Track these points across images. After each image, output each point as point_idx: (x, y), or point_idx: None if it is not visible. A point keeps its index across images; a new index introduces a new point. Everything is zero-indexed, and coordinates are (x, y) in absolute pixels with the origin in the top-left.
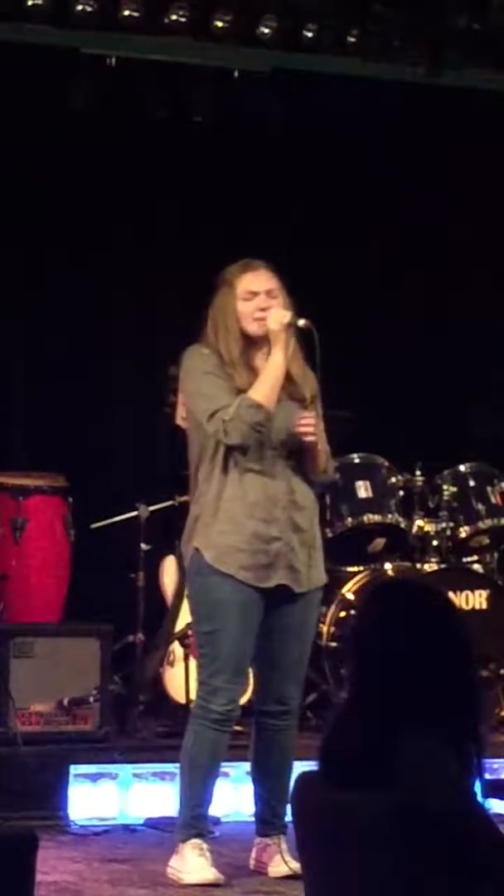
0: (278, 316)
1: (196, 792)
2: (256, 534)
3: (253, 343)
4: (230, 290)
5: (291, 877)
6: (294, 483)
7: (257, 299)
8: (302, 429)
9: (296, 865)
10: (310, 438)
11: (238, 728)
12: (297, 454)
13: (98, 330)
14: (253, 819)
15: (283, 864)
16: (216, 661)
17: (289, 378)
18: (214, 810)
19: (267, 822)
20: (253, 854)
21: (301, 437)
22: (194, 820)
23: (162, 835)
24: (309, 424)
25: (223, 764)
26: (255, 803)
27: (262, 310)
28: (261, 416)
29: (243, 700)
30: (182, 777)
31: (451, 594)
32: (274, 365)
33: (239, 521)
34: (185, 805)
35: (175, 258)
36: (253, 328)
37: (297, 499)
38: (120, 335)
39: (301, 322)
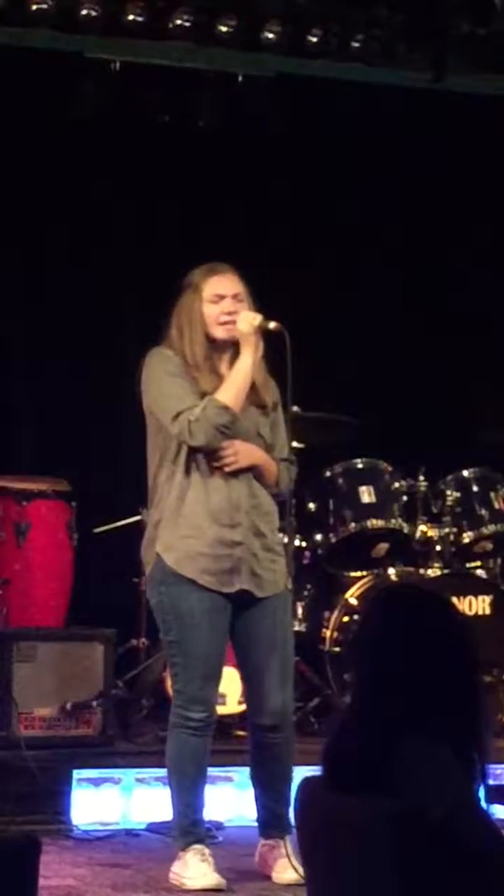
0: (248, 318)
1: (188, 800)
2: (219, 538)
3: (217, 347)
4: (196, 293)
5: (295, 883)
6: (256, 488)
7: (224, 303)
8: (226, 460)
9: (299, 869)
10: (233, 468)
11: (240, 733)
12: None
13: (101, 333)
14: (254, 824)
15: (289, 868)
16: (188, 670)
17: (251, 384)
18: (217, 815)
19: (269, 824)
20: (257, 856)
21: (264, 401)
22: (191, 826)
23: (165, 839)
24: (227, 456)
25: (227, 769)
26: (257, 807)
27: (229, 314)
28: (227, 418)
29: (237, 707)
30: (171, 787)
31: (454, 599)
32: (242, 368)
33: (201, 526)
34: (180, 813)
35: (178, 262)
36: (218, 332)
37: (259, 503)
38: (123, 339)
39: (272, 325)
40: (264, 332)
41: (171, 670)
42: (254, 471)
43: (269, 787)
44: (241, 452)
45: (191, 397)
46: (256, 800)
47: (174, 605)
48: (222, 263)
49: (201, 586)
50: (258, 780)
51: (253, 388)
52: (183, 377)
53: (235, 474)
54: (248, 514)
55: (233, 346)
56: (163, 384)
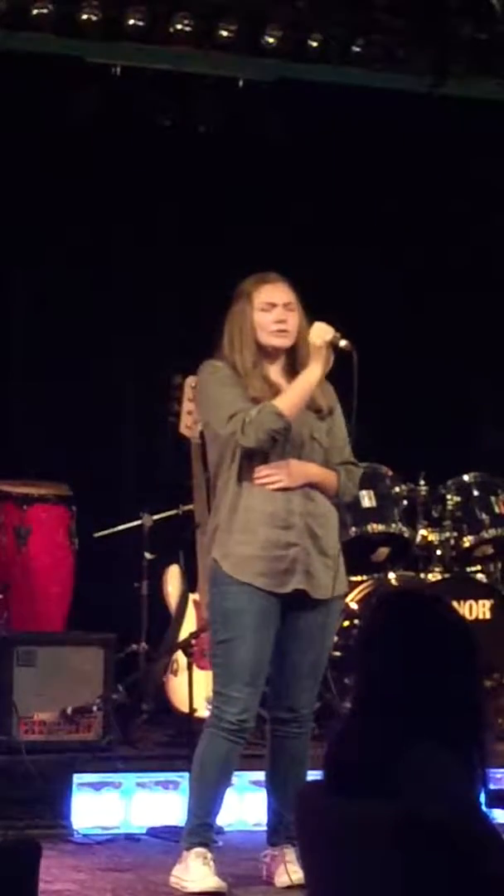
0: (322, 332)
1: (204, 801)
2: (271, 540)
3: (267, 355)
4: (247, 302)
5: (295, 886)
6: (311, 492)
7: (275, 311)
8: (272, 481)
9: (299, 875)
10: (280, 486)
11: None
12: (315, 462)
13: (102, 339)
14: (255, 828)
15: (286, 874)
16: (230, 670)
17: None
18: (218, 819)
19: (276, 831)
20: (263, 864)
21: (321, 406)
22: (200, 828)
23: (165, 844)
24: (276, 476)
25: None
26: (268, 813)
27: (280, 322)
28: (281, 424)
29: None
30: (191, 785)
31: (454, 604)
32: (308, 379)
33: (254, 530)
34: (193, 813)
35: (179, 267)
36: (269, 340)
37: (315, 508)
38: (125, 344)
39: (343, 343)
40: (335, 348)
41: (213, 671)
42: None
43: (280, 789)
44: (294, 473)
45: (243, 402)
46: (268, 805)
47: (223, 606)
48: (273, 272)
49: (257, 588)
50: (271, 782)
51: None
52: (233, 385)
53: None
54: (302, 516)
55: (284, 355)
56: (215, 394)
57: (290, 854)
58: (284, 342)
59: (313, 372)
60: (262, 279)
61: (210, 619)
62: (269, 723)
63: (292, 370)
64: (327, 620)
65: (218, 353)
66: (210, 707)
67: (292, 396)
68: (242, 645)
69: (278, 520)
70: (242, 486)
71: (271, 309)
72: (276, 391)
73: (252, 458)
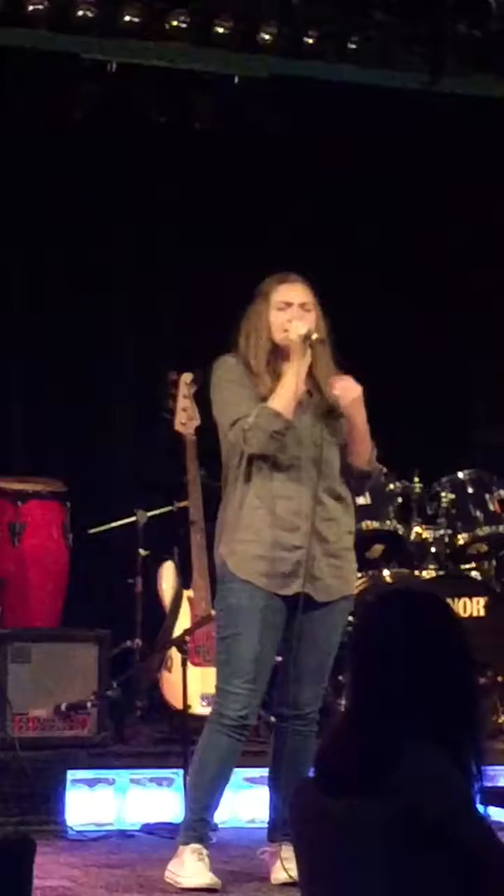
0: (297, 327)
1: (202, 797)
2: (277, 542)
3: (282, 354)
4: (265, 301)
5: (290, 883)
6: (320, 493)
7: (290, 310)
8: (336, 391)
9: (294, 872)
10: (344, 401)
11: None
12: (325, 465)
13: (98, 334)
14: (250, 825)
15: (282, 870)
16: (231, 666)
17: (319, 390)
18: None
19: (274, 828)
20: (262, 861)
21: (336, 404)
22: (198, 824)
23: (159, 840)
24: (343, 388)
25: None
26: (269, 810)
27: (291, 321)
28: (279, 424)
29: None
30: (190, 780)
31: (448, 601)
32: (289, 375)
33: (259, 530)
34: (190, 809)
35: (175, 263)
36: (282, 338)
37: (324, 511)
38: (120, 340)
39: (314, 336)
40: (310, 343)
41: (217, 667)
42: (350, 434)
43: (281, 786)
44: (351, 388)
45: (248, 404)
46: (270, 802)
47: (228, 603)
48: (293, 273)
49: (259, 588)
50: (273, 779)
51: (320, 393)
52: (243, 384)
53: (298, 478)
54: (308, 518)
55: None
56: (223, 392)
57: (287, 851)
58: (286, 338)
59: (294, 367)
60: (281, 279)
61: (216, 616)
62: (276, 719)
63: (308, 370)
64: (334, 622)
65: (234, 351)
66: (203, 703)
67: (283, 394)
68: (244, 642)
69: (284, 521)
70: (250, 486)
71: (287, 308)
72: None
73: (261, 458)
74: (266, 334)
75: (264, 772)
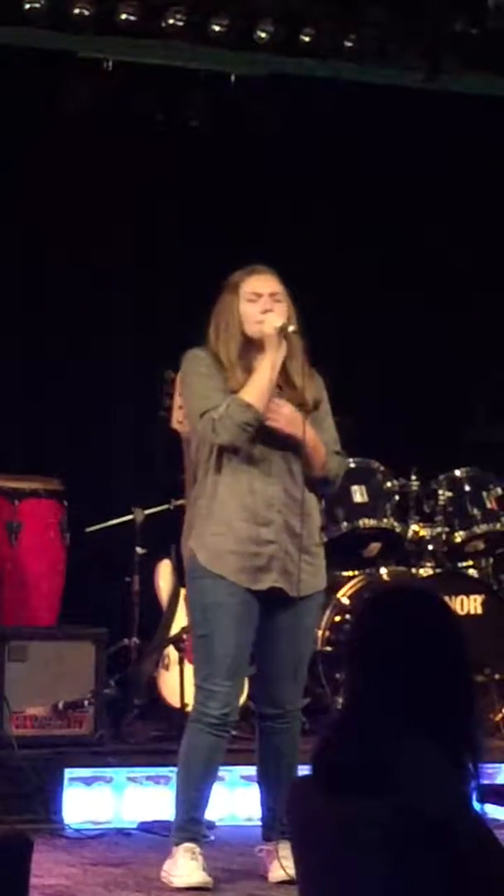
0: (272, 319)
1: (191, 796)
2: (249, 536)
3: (254, 345)
4: (235, 292)
5: (288, 882)
6: (292, 488)
7: (261, 301)
8: (270, 415)
9: (292, 870)
10: (274, 425)
11: (234, 733)
12: (297, 458)
13: (96, 333)
14: (247, 823)
15: (280, 868)
16: (210, 665)
17: (290, 384)
18: (209, 814)
19: (269, 826)
20: (259, 859)
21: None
22: (189, 823)
23: (156, 838)
24: (274, 412)
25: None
26: (261, 809)
27: (265, 312)
28: (250, 415)
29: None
30: (178, 780)
31: (446, 599)
32: (262, 367)
33: (231, 523)
34: (181, 808)
35: (174, 260)
36: (254, 330)
37: (295, 502)
38: (118, 338)
39: (291, 328)
40: (286, 335)
41: (194, 665)
42: (299, 450)
43: (270, 784)
44: (287, 417)
45: (217, 395)
46: (261, 801)
47: (202, 600)
48: (262, 265)
49: (231, 583)
50: (262, 778)
51: (293, 387)
52: (212, 376)
53: (270, 472)
54: (280, 512)
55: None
56: (192, 384)
57: (285, 849)
58: (259, 331)
59: (265, 360)
60: (250, 271)
61: (188, 613)
62: (257, 718)
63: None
64: (308, 617)
65: (205, 343)
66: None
67: (253, 386)
68: (222, 639)
69: (256, 515)
70: (221, 479)
71: (257, 299)
72: None
73: (232, 451)
74: (237, 327)
75: None
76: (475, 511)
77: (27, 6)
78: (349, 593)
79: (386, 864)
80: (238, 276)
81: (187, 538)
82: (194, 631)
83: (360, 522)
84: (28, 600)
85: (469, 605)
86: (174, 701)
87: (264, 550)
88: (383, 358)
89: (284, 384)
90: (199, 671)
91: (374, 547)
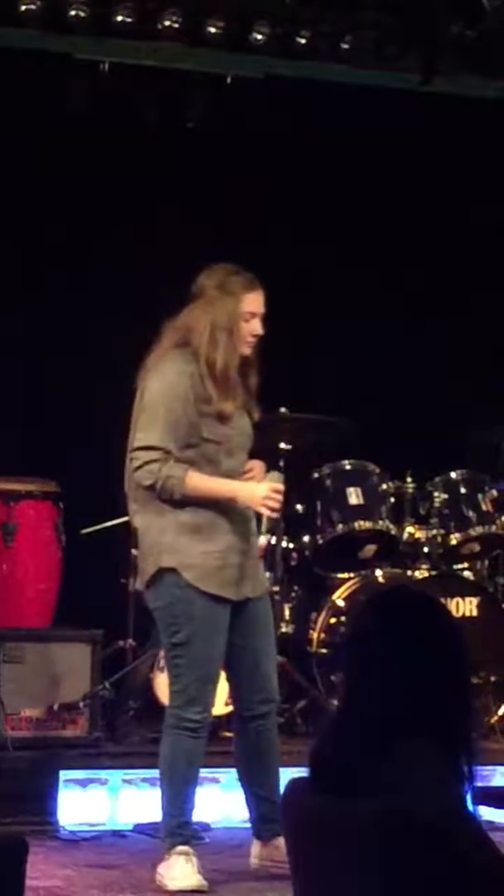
0: (276, 480)
1: (177, 801)
2: (231, 547)
3: (240, 362)
4: (236, 304)
5: (278, 877)
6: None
7: (253, 322)
8: (270, 503)
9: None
10: (273, 515)
11: (227, 734)
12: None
13: (93, 333)
14: (243, 825)
15: (264, 857)
16: (191, 672)
17: (247, 390)
18: (205, 816)
19: (262, 823)
20: (254, 859)
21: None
22: (178, 828)
23: (151, 840)
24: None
25: (214, 770)
26: (249, 808)
27: (256, 336)
28: (178, 494)
29: (224, 709)
30: (162, 787)
31: (441, 601)
32: (230, 489)
33: (217, 539)
34: (169, 814)
35: (172, 262)
36: (242, 349)
37: (248, 510)
38: (116, 339)
39: (278, 479)
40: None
41: (171, 672)
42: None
43: (262, 782)
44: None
45: (173, 436)
46: (248, 801)
47: (187, 610)
48: (251, 273)
49: (214, 595)
50: (249, 778)
51: (249, 394)
52: (187, 406)
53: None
54: (242, 522)
55: (247, 365)
56: (157, 413)
57: (281, 846)
58: (249, 351)
59: (236, 492)
60: (251, 285)
61: (165, 621)
62: (241, 721)
63: (244, 380)
64: (267, 615)
65: (193, 344)
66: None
67: (207, 490)
68: (202, 646)
69: (236, 527)
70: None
71: (252, 319)
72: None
73: (207, 466)
74: (239, 342)
75: None
76: (471, 513)
77: (23, 8)
78: (345, 595)
79: (382, 865)
80: (238, 286)
81: (157, 552)
82: (171, 638)
83: (356, 524)
84: (24, 602)
85: (464, 607)
86: None
87: (239, 560)
88: (380, 360)
89: (242, 390)
90: (179, 678)
91: (370, 549)
